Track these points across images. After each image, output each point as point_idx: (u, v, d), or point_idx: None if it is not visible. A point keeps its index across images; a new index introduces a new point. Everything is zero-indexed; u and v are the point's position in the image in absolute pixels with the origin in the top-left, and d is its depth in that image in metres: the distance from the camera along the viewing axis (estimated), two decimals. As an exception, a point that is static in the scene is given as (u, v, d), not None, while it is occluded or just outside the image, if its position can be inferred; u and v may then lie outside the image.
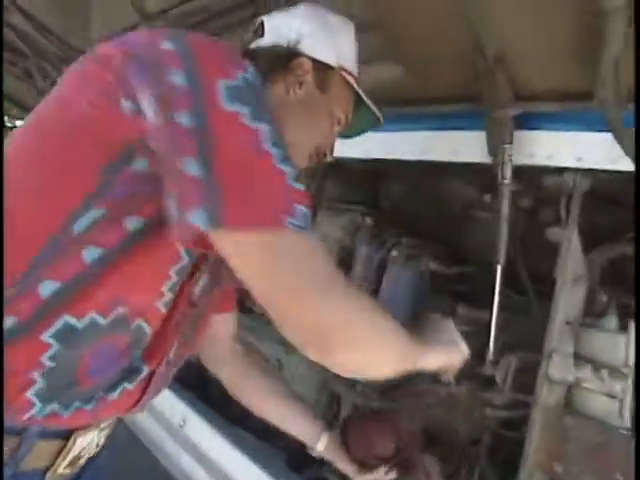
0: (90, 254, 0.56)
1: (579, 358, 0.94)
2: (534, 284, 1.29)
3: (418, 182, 1.49)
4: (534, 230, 1.25)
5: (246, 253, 0.53)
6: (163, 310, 0.64)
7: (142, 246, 0.58)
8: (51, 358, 0.57)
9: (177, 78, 0.53)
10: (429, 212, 1.51)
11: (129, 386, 0.64)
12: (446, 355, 0.79)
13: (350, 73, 0.81)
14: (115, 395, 0.63)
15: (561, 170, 0.93)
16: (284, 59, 0.76)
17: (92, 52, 0.62)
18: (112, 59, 0.58)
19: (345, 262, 1.42)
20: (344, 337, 0.57)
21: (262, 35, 0.78)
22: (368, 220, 1.36)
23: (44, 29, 1.51)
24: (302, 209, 0.54)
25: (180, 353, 0.72)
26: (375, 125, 0.90)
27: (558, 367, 0.94)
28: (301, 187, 0.55)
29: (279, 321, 0.55)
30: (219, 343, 0.97)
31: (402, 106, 1.14)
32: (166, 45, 0.56)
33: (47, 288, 0.55)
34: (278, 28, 0.77)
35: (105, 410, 0.64)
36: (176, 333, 0.68)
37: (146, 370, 0.66)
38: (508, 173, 0.88)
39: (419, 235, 1.42)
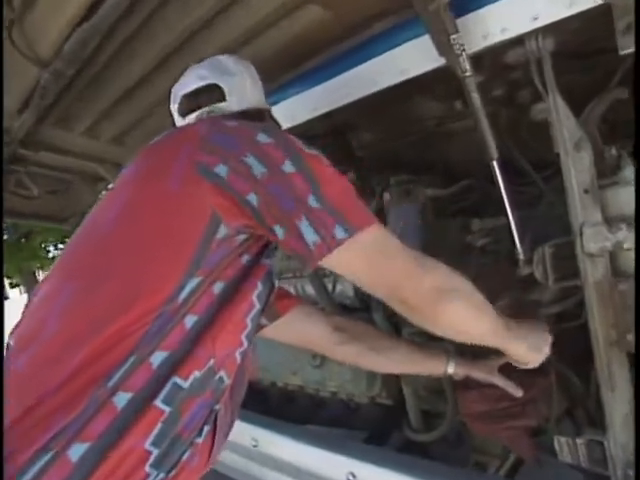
0: (189, 321, 0.63)
1: (610, 221, 0.88)
2: (539, 171, 1.24)
3: (384, 117, 1.42)
4: (518, 116, 1.19)
5: (366, 251, 0.66)
6: (239, 359, 0.70)
7: (226, 304, 0.66)
8: (164, 421, 0.60)
9: (263, 138, 0.66)
10: (406, 142, 1.45)
11: (207, 428, 0.67)
12: (528, 349, 0.91)
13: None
14: (201, 439, 0.66)
15: (520, 40, 0.86)
16: (259, 118, 0.91)
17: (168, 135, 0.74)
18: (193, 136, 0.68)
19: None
20: (456, 292, 0.71)
21: (224, 99, 0.88)
22: (350, 175, 1.30)
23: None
24: None
25: (234, 394, 0.76)
26: None
27: (593, 238, 0.88)
28: None
29: (404, 293, 0.68)
30: (323, 341, 1.03)
31: (333, 45, 1.07)
32: (230, 122, 0.72)
33: (158, 358, 0.60)
34: (237, 92, 0.89)
35: (197, 457, 0.66)
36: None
37: (216, 408, 0.69)
38: (466, 64, 0.81)
39: (405, 169, 1.36)
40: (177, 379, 0.61)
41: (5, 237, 5.97)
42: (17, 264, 5.83)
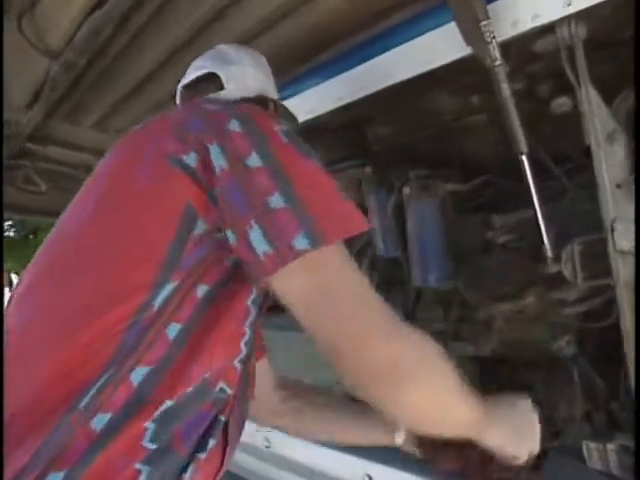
0: (172, 330, 0.55)
1: (644, 217, 0.84)
2: (560, 166, 1.20)
3: (400, 111, 1.38)
4: (538, 111, 1.15)
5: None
6: (239, 367, 0.64)
7: (215, 311, 0.58)
8: (151, 441, 0.54)
9: (234, 126, 0.58)
10: (422, 137, 1.41)
11: (213, 442, 0.61)
12: (515, 441, 0.72)
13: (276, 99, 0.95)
14: (205, 453, 0.59)
15: (549, 28, 0.82)
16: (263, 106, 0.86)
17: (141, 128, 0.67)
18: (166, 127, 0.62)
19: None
20: (421, 373, 0.57)
21: (222, 87, 0.84)
22: (367, 169, 1.26)
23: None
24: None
25: (241, 403, 0.70)
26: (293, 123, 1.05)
27: (625, 235, 0.84)
28: None
29: (358, 353, 0.54)
30: (266, 398, 0.93)
31: (350, 36, 1.04)
32: (211, 106, 0.64)
33: (139, 374, 0.54)
34: (237, 80, 0.85)
35: (202, 473, 0.60)
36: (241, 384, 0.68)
37: (222, 419, 0.63)
38: (496, 53, 0.77)
39: (423, 163, 1.32)
40: (166, 398, 0.55)
41: (12, 233, 5.98)
42: (25, 260, 5.85)
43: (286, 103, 1.24)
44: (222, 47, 0.91)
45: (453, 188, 1.20)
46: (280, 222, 0.53)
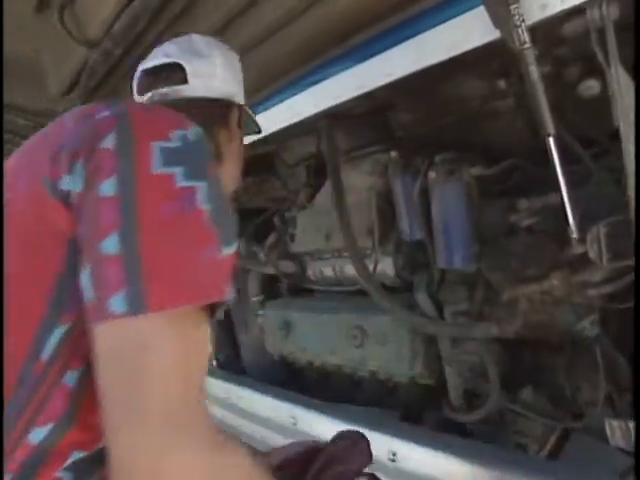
0: (70, 379, 0.48)
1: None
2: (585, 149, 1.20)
3: (424, 97, 1.39)
4: (565, 94, 1.15)
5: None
6: None
7: None
8: None
9: (108, 142, 0.50)
10: (447, 121, 1.42)
11: None
12: None
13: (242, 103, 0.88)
14: None
15: (580, 9, 0.83)
16: (224, 112, 0.81)
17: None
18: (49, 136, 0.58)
19: (386, 211, 1.37)
20: None
21: (186, 81, 0.78)
22: (393, 153, 1.29)
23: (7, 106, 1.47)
24: (227, 280, 0.50)
25: None
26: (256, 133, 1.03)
27: (652, 217, 0.85)
28: (231, 249, 0.51)
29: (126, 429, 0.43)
30: None
31: (377, 24, 1.05)
32: (104, 112, 0.54)
33: (39, 435, 0.47)
34: (203, 77, 0.79)
35: None
36: None
37: None
38: (525, 36, 0.79)
39: (447, 148, 1.34)
40: (75, 449, 0.49)
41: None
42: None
43: (312, 90, 1.28)
44: (194, 37, 0.84)
45: (479, 172, 1.21)
46: (106, 272, 0.45)
